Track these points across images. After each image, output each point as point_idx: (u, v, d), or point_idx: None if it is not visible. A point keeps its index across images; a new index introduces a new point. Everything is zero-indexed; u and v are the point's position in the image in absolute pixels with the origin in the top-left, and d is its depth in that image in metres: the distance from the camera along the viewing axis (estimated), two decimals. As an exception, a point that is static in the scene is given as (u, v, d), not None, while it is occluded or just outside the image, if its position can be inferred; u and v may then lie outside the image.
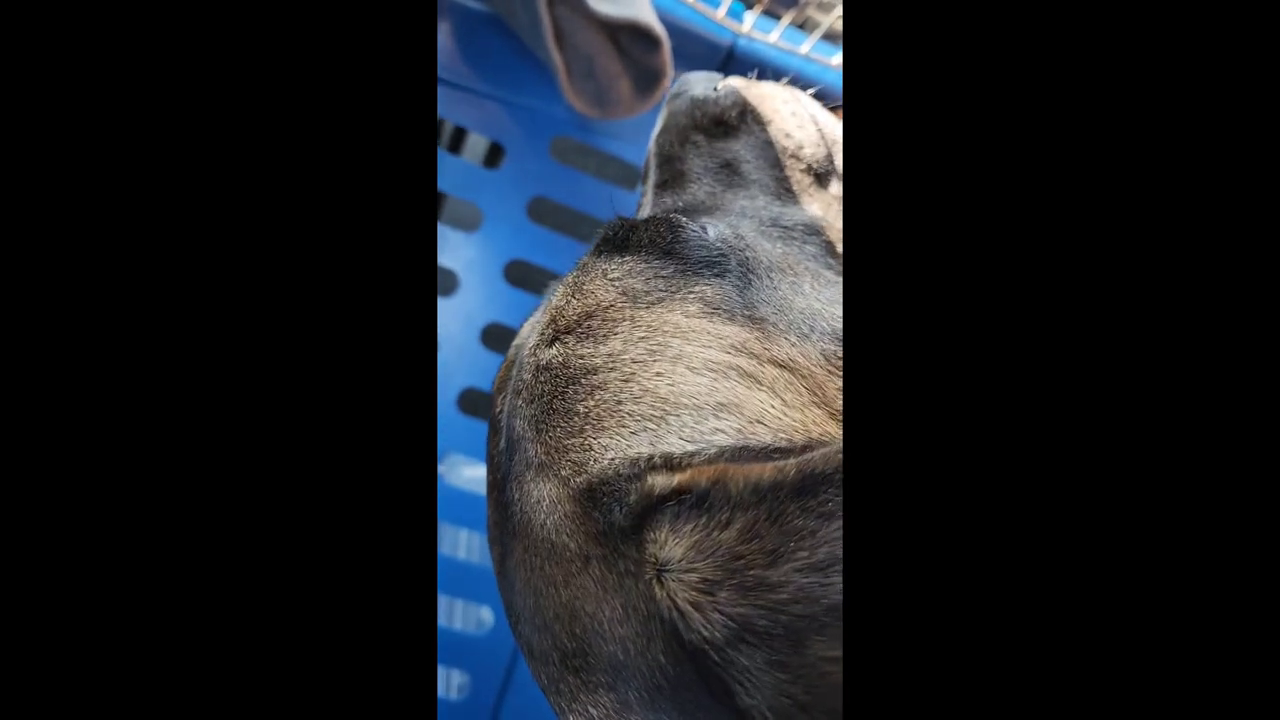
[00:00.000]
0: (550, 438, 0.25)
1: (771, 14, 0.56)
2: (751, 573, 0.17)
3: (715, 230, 0.30)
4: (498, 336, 0.58)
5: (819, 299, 0.29)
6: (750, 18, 0.54)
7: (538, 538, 0.24)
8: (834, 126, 0.38)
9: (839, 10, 0.54)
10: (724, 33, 0.55)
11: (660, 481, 0.21)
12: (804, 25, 0.62)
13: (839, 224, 0.34)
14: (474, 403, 0.58)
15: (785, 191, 0.35)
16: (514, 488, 0.26)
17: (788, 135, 0.36)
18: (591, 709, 0.22)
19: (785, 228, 0.32)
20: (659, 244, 0.29)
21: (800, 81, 0.57)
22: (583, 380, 0.25)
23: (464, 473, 0.59)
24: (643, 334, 0.26)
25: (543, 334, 0.28)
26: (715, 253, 0.28)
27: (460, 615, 0.59)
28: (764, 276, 0.28)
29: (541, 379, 0.27)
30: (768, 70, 0.56)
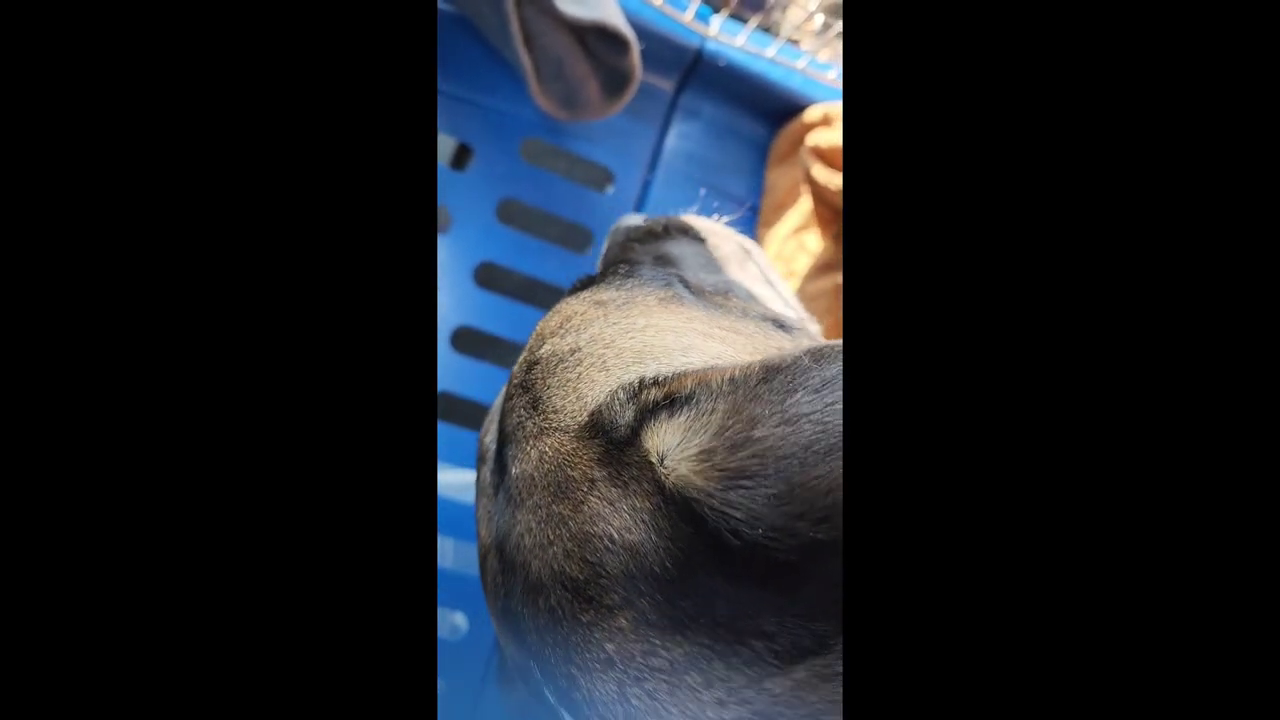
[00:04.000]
0: (547, 407, 0.29)
1: (738, 17, 0.56)
2: (739, 436, 0.21)
3: (662, 268, 0.40)
4: (468, 340, 0.58)
5: (746, 306, 0.38)
6: (717, 21, 0.55)
7: (541, 487, 0.27)
8: (741, 236, 0.50)
9: (805, 14, 0.55)
10: (692, 35, 0.55)
11: (653, 393, 0.25)
12: (769, 29, 0.63)
13: (757, 290, 0.44)
14: (447, 407, 0.57)
15: (709, 267, 0.45)
16: (513, 470, 0.29)
17: (706, 234, 0.47)
18: (608, 643, 0.23)
19: (713, 287, 0.41)
20: (619, 273, 0.37)
21: (769, 85, 0.58)
22: (569, 358, 0.30)
23: (438, 477, 0.59)
24: (614, 320, 0.31)
25: (530, 348, 0.33)
26: (663, 275, 0.37)
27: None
28: (701, 295, 0.37)
29: (533, 372, 0.31)
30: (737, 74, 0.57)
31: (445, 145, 0.71)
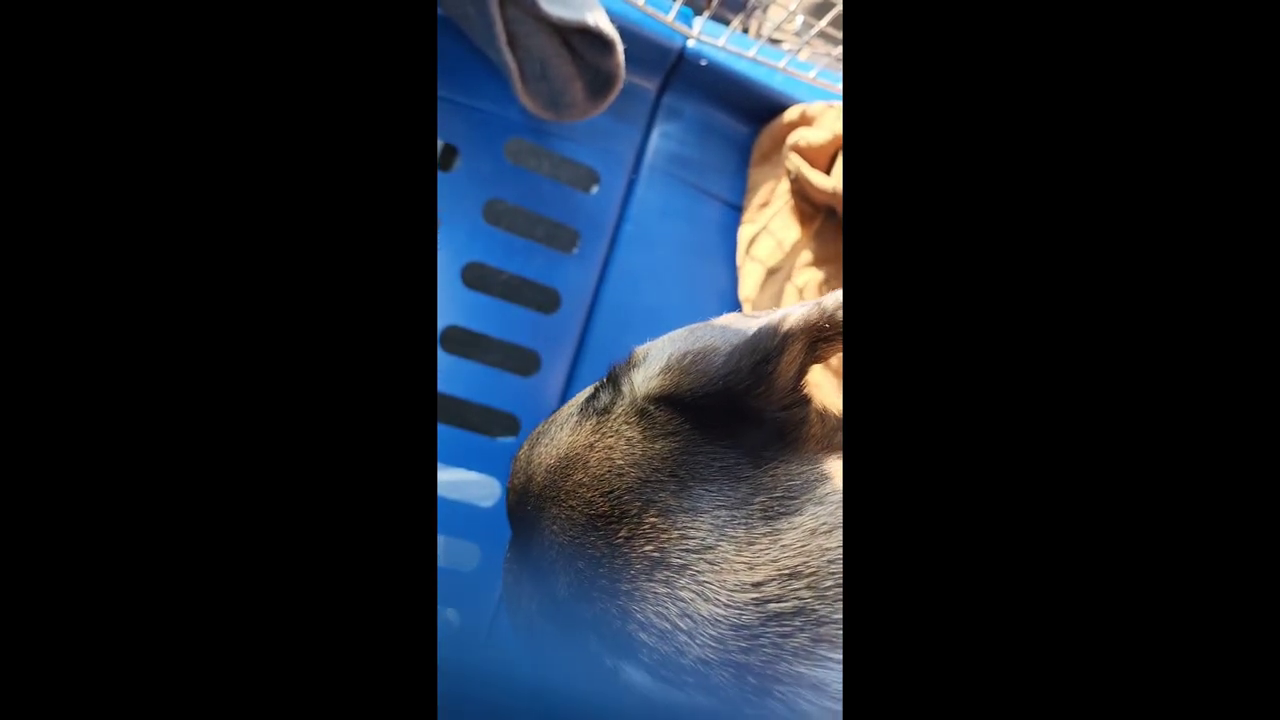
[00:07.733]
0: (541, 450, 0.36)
1: (720, 19, 0.57)
2: (681, 353, 0.31)
3: None
4: (457, 340, 0.58)
5: None
6: (699, 22, 0.55)
7: (559, 469, 0.32)
8: None
9: (786, 14, 0.56)
10: (674, 36, 0.56)
11: (622, 366, 0.33)
12: (748, 30, 0.64)
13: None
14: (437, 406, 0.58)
15: None
16: (530, 508, 0.33)
17: None
18: (648, 545, 0.27)
19: None
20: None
21: (750, 85, 0.59)
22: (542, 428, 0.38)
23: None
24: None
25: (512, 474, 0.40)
26: None
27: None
28: None
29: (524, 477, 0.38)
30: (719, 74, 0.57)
31: (429, 146, 0.72)
